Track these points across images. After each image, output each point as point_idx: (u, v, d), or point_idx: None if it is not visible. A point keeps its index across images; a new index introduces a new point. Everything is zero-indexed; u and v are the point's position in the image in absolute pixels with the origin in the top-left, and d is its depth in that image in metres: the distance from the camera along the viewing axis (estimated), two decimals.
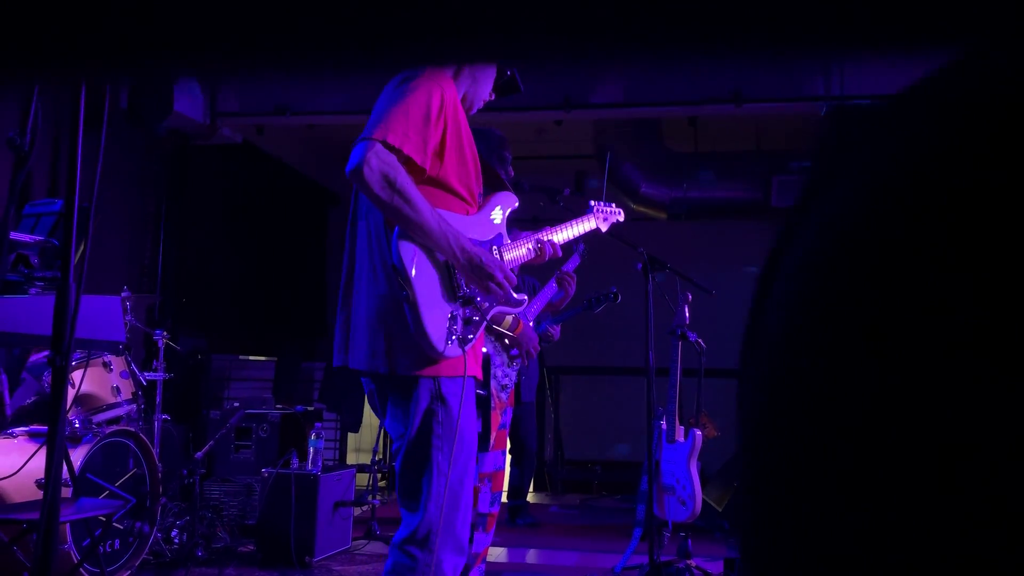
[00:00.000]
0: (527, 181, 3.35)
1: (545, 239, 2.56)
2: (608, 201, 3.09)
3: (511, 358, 3.16)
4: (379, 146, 1.94)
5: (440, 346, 1.99)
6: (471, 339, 2.09)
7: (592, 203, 2.99)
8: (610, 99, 6.05)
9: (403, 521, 2.08)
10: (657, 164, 7.21)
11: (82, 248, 1.38)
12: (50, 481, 1.22)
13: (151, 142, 6.41)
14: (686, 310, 4.40)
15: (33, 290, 1.99)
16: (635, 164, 7.16)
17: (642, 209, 7.38)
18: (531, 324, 3.29)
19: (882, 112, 0.35)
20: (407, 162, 1.98)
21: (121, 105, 5.69)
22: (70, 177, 1.30)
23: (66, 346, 1.28)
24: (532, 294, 3.62)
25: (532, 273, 4.29)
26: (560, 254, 2.60)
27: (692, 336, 4.38)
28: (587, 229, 2.88)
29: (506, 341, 3.13)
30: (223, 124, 6.58)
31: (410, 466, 2.06)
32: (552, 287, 3.44)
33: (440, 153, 2.07)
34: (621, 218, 3.08)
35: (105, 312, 2.06)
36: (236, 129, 6.78)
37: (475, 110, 2.33)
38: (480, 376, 2.25)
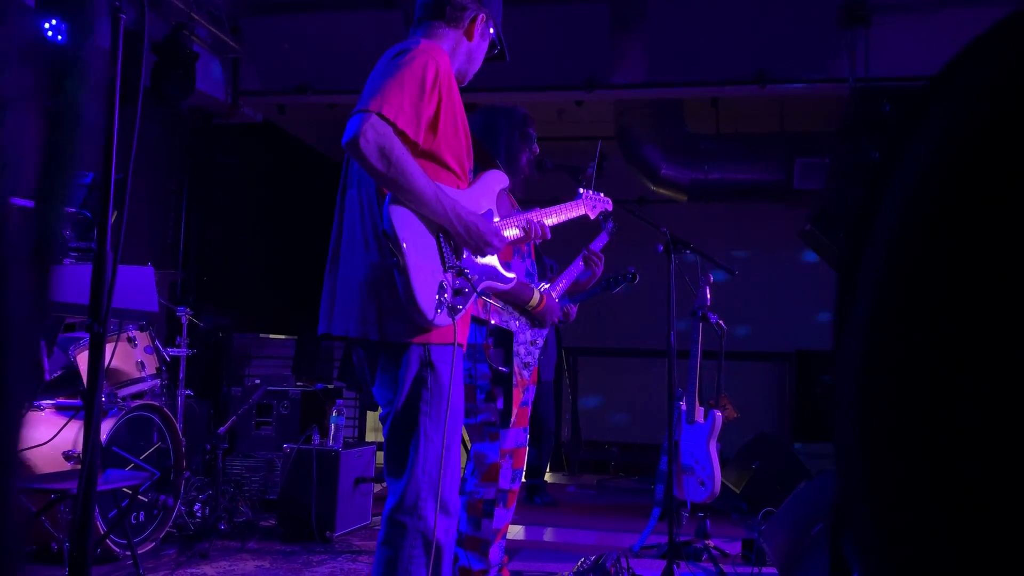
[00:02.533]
0: (550, 160, 3.34)
1: (535, 220, 2.59)
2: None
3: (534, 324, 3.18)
4: (374, 117, 1.95)
5: (430, 314, 2.00)
6: (460, 309, 2.10)
7: (581, 191, 3.04)
8: (632, 79, 6.02)
9: (390, 490, 2.10)
10: (678, 146, 7.16)
11: (116, 217, 1.39)
12: (88, 445, 1.24)
13: (173, 120, 6.44)
14: (707, 291, 4.39)
15: (67, 260, 2.02)
16: (656, 146, 7.12)
17: (662, 191, 7.35)
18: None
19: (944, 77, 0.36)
20: (401, 135, 1.99)
21: (144, 83, 5.71)
22: (107, 147, 1.32)
23: (104, 313, 1.30)
24: (554, 276, 3.62)
25: (552, 254, 4.29)
26: (549, 236, 2.63)
27: (713, 317, 4.37)
28: (575, 215, 2.95)
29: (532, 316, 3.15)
30: (244, 103, 6.60)
31: (398, 432, 2.08)
32: (578, 265, 3.44)
33: (434, 127, 2.08)
34: (609, 207, 3.14)
35: (139, 283, 2.09)
36: (257, 108, 6.80)
37: (465, 83, 2.35)
38: (465, 347, 2.27)
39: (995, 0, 5.14)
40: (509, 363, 3.03)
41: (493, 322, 3.04)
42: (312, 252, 8.88)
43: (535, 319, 3.15)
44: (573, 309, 3.82)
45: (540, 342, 3.20)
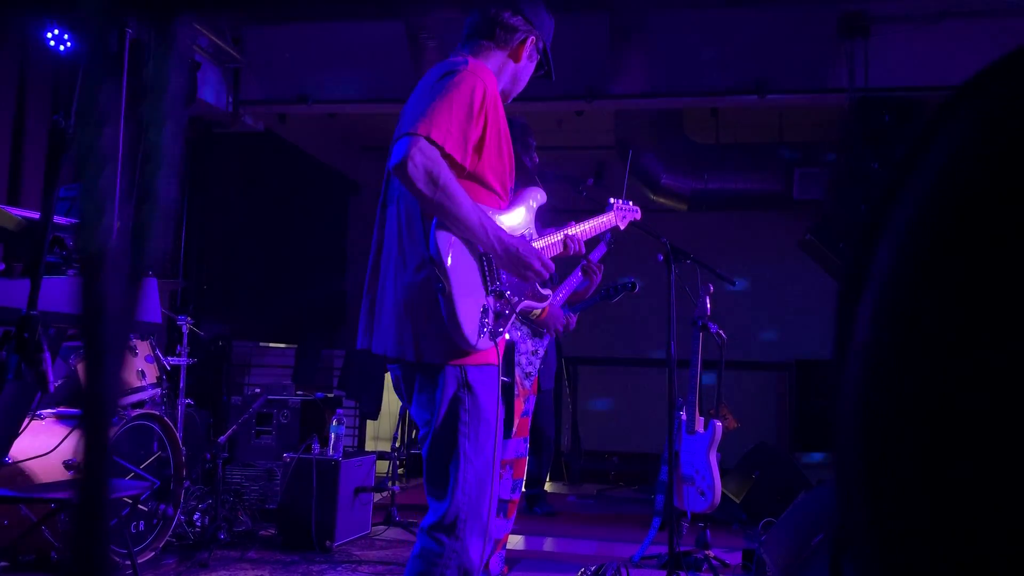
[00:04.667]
0: (552, 171, 3.36)
1: (573, 235, 2.58)
2: (627, 195, 3.11)
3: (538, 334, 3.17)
4: (423, 142, 1.94)
5: (473, 339, 2.00)
6: (501, 332, 2.10)
7: (611, 201, 3.01)
8: (632, 89, 6.03)
9: (430, 507, 2.10)
10: (678, 155, 7.18)
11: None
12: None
13: None
14: (707, 301, 4.40)
15: (71, 271, 2.02)
16: (656, 155, 7.14)
17: (663, 200, 7.37)
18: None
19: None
20: (448, 158, 1.98)
21: None
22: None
23: None
24: (554, 285, 3.63)
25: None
26: (583, 251, 2.62)
27: (713, 327, 4.38)
28: (607, 226, 2.92)
29: (535, 323, 3.15)
30: (245, 112, 6.61)
31: (437, 453, 2.07)
32: (577, 276, 3.45)
33: (479, 149, 2.07)
34: (639, 216, 3.11)
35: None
36: (258, 117, 6.81)
37: (508, 101, 2.35)
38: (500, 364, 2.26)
39: (994, 12, 5.17)
40: (510, 373, 3.04)
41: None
42: (312, 261, 8.89)
43: (538, 327, 3.16)
44: (573, 318, 3.83)
45: (541, 352, 3.21)
